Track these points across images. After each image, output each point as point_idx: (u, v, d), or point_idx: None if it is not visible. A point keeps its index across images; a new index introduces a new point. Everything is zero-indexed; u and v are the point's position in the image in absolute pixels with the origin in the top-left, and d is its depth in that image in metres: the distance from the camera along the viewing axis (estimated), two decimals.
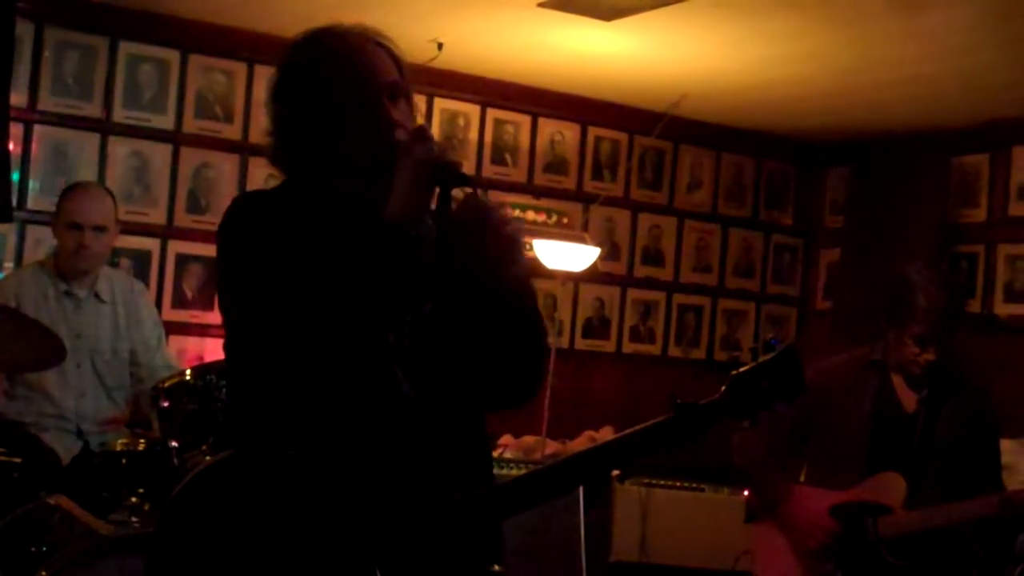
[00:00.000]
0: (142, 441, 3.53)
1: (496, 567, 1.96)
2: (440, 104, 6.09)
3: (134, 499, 3.35)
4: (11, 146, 4.84)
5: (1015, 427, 4.99)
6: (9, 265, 5.08)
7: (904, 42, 4.85)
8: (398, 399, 1.91)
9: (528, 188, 6.35)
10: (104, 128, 5.35)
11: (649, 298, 6.74)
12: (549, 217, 6.36)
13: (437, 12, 4.94)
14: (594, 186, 6.53)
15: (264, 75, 5.50)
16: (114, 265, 4.85)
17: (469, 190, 1.90)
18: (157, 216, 5.47)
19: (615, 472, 5.10)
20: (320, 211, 1.93)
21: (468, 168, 6.14)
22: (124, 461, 3.44)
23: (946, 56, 4.97)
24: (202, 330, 5.48)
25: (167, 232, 5.49)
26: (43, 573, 2.79)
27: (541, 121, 6.39)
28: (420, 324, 1.92)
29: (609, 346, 6.61)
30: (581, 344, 6.52)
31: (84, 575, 2.81)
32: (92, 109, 5.32)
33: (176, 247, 5.49)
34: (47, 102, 5.22)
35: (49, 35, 5.22)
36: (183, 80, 5.51)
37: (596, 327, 6.58)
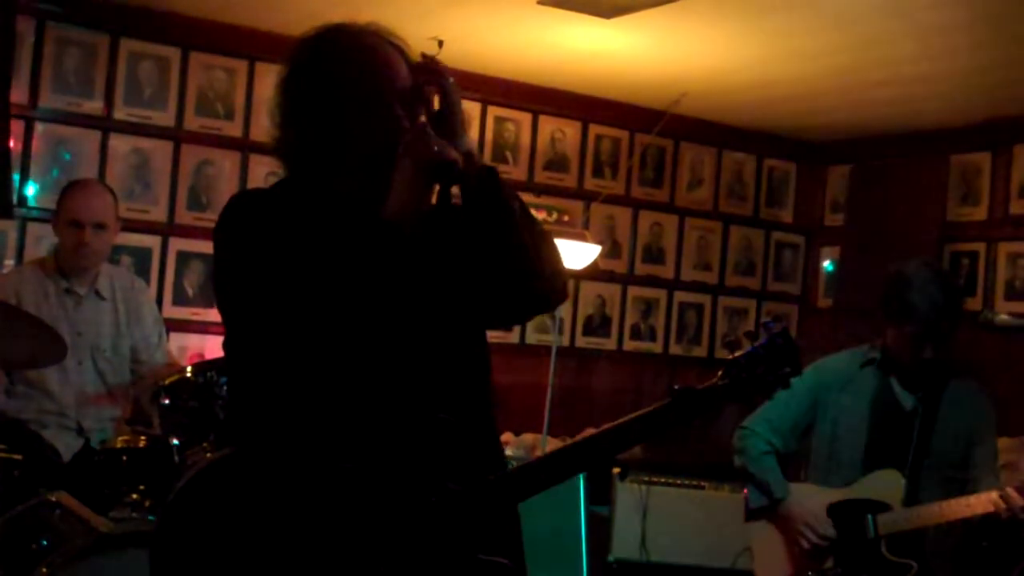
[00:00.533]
0: (143, 438, 3.53)
1: (503, 560, 1.97)
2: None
3: (135, 496, 3.35)
4: (12, 143, 4.85)
5: (1015, 426, 4.99)
6: (10, 262, 5.08)
7: (904, 40, 4.85)
8: (398, 395, 1.91)
9: (529, 186, 6.34)
10: (105, 125, 5.35)
11: (650, 296, 6.74)
12: (550, 215, 6.36)
13: (438, 9, 4.94)
14: (595, 184, 6.53)
15: (265, 72, 5.50)
16: (115, 262, 4.85)
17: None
18: (158, 213, 5.47)
19: (615, 469, 5.10)
20: (318, 211, 1.93)
21: None
22: (125, 458, 3.45)
23: (946, 55, 4.97)
24: (203, 327, 5.48)
25: (168, 229, 5.49)
26: (44, 570, 2.80)
27: (542, 119, 6.39)
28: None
29: (610, 344, 6.62)
30: (582, 342, 6.53)
31: (85, 571, 2.82)
32: (93, 106, 5.32)
33: (177, 244, 5.49)
34: (48, 99, 5.22)
35: (50, 32, 5.22)
36: (184, 77, 5.51)
37: (597, 325, 6.58)
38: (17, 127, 5.02)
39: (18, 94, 5.03)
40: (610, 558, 5.02)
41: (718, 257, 6.96)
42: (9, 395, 3.96)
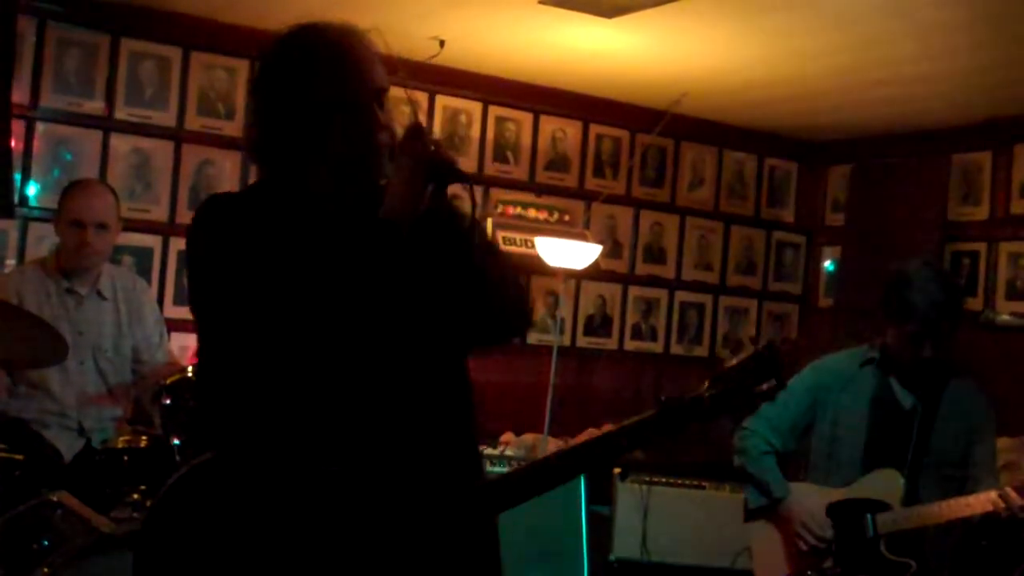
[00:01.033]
0: (144, 438, 3.54)
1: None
2: (442, 101, 6.10)
3: (136, 496, 3.35)
4: (13, 143, 4.85)
5: (1015, 426, 4.99)
6: (11, 262, 5.09)
7: (904, 40, 4.85)
8: (387, 399, 1.89)
9: (530, 186, 6.35)
10: (106, 125, 5.36)
11: (651, 296, 6.75)
12: (551, 215, 6.36)
13: (439, 9, 4.94)
14: (596, 183, 6.53)
15: None
16: (116, 262, 4.85)
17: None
18: (159, 213, 5.48)
19: (616, 469, 5.11)
20: (296, 212, 1.90)
21: (470, 165, 6.17)
22: (126, 458, 3.46)
23: (947, 54, 4.97)
24: None
25: (169, 229, 5.50)
26: (45, 569, 2.80)
27: (543, 118, 6.40)
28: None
29: (611, 344, 6.62)
30: (583, 342, 6.54)
31: (86, 571, 2.82)
32: (94, 106, 5.33)
33: (178, 244, 5.49)
34: (49, 99, 5.23)
35: (51, 32, 5.23)
36: (185, 77, 5.52)
37: (598, 325, 6.59)
38: (18, 127, 5.03)
39: (19, 94, 5.03)
40: (611, 557, 5.02)
41: (719, 257, 6.97)
42: (10, 395, 3.96)
